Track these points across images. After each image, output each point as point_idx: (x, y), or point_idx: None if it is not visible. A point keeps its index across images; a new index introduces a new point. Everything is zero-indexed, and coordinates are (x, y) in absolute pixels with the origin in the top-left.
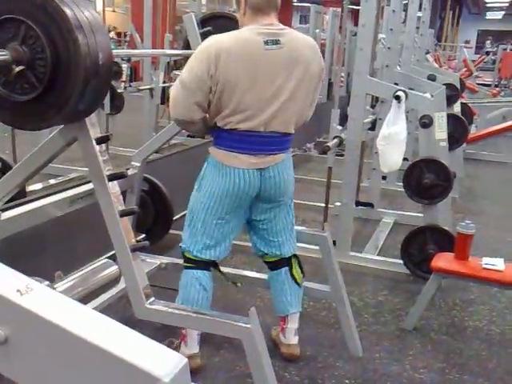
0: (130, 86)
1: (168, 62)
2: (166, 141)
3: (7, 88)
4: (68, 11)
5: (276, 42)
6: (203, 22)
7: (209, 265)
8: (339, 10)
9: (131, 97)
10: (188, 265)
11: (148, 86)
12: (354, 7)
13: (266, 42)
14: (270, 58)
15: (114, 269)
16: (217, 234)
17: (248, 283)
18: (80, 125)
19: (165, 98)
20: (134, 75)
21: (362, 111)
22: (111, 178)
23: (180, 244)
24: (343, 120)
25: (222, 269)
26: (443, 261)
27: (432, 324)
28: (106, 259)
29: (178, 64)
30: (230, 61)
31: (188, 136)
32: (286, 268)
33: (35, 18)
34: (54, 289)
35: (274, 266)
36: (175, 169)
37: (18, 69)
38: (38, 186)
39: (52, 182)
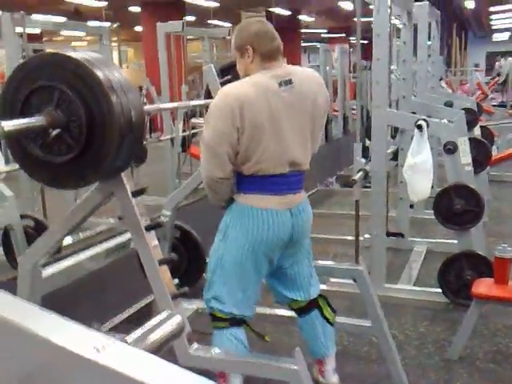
0: (151, 137)
1: (186, 112)
2: (194, 188)
3: (45, 150)
4: (100, 74)
5: (289, 82)
6: (222, 71)
7: (241, 322)
8: (346, 45)
9: (152, 147)
10: (219, 325)
11: (169, 136)
12: (359, 42)
13: (280, 84)
14: (285, 99)
15: (178, 319)
16: (251, 288)
17: (281, 323)
18: (116, 180)
19: (186, 145)
20: (153, 126)
21: (385, 143)
22: (149, 228)
23: (207, 302)
24: (362, 152)
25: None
26: (483, 287)
27: (477, 352)
28: (170, 311)
29: (194, 112)
30: (253, 109)
31: None
32: (316, 310)
33: (68, 82)
34: (127, 343)
35: (303, 310)
36: (202, 214)
37: (54, 132)
38: (68, 241)
39: (82, 235)
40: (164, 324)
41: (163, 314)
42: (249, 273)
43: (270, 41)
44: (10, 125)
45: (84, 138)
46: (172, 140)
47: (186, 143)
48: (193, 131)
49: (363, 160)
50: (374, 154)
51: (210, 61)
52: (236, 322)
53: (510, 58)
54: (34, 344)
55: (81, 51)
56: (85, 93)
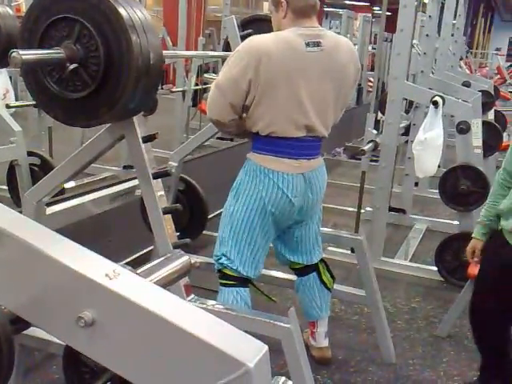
0: (162, 88)
1: (200, 66)
2: (202, 142)
3: (60, 85)
4: (122, 11)
5: (317, 44)
6: (244, 24)
7: (247, 281)
8: (369, 15)
9: (162, 99)
10: (227, 282)
11: (181, 89)
12: (385, 12)
13: (308, 44)
14: (310, 60)
15: (185, 259)
16: (261, 249)
17: (277, 285)
18: (128, 123)
19: (197, 100)
20: (165, 78)
21: (399, 116)
22: (156, 176)
23: (216, 258)
24: (374, 125)
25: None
26: None
27: (465, 332)
28: (178, 250)
29: (207, 67)
30: (272, 64)
31: (218, 138)
32: (315, 273)
33: (89, 17)
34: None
35: (302, 272)
36: (207, 170)
37: (71, 66)
38: (71, 184)
39: (86, 180)
40: (172, 262)
41: (172, 253)
42: (256, 234)
43: None
44: (28, 54)
45: (100, 76)
46: (184, 93)
47: (197, 98)
48: (205, 86)
49: (374, 131)
50: (386, 126)
51: (230, 15)
52: (242, 281)
53: None
54: (48, 265)
55: None
56: (105, 29)
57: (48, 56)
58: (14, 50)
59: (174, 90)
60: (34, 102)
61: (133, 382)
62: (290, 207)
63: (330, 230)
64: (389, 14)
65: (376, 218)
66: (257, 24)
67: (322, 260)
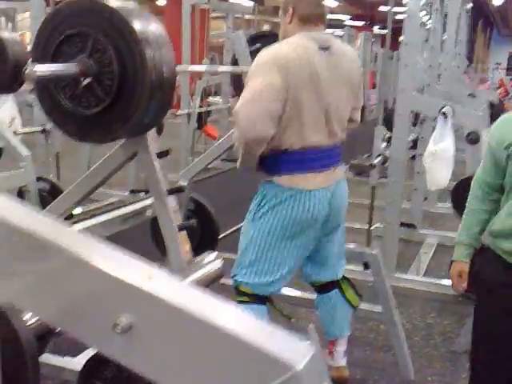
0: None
1: (204, 89)
2: (210, 162)
3: (74, 101)
4: (135, 24)
5: (328, 49)
6: (252, 40)
7: (265, 299)
8: (369, 33)
9: (167, 123)
10: (243, 299)
11: (186, 111)
12: (382, 31)
13: (320, 48)
14: (324, 64)
15: (219, 263)
16: (282, 269)
17: (292, 303)
18: (141, 139)
19: (201, 122)
20: None
21: (407, 128)
22: (171, 192)
23: (233, 276)
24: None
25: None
26: None
27: None
28: (211, 251)
29: (209, 91)
30: (296, 70)
31: (222, 160)
32: (337, 290)
33: (103, 31)
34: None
35: (324, 288)
36: (215, 190)
37: (85, 81)
38: (78, 211)
39: (93, 206)
40: (206, 265)
41: (204, 254)
42: (280, 254)
43: (315, 5)
44: (42, 69)
45: (114, 90)
46: (189, 115)
47: (201, 120)
48: (209, 108)
49: (384, 144)
50: (395, 139)
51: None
52: (259, 298)
53: None
54: (86, 271)
55: (117, 0)
56: (119, 43)
57: (62, 70)
58: (28, 65)
59: (178, 112)
60: (40, 128)
61: None
62: (315, 224)
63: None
64: (385, 32)
65: (388, 233)
66: (262, 40)
67: (344, 277)
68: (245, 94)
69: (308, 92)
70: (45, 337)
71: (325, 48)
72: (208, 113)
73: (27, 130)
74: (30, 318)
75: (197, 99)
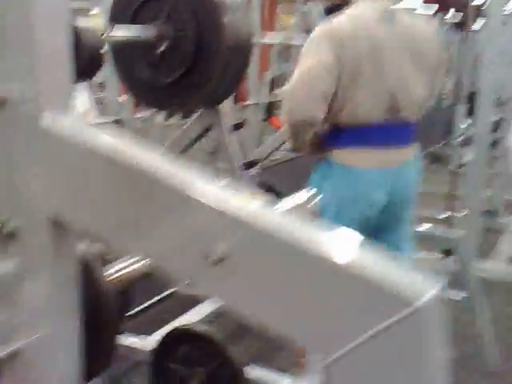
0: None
1: (272, 79)
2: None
3: (152, 69)
4: None
5: (393, 18)
6: (328, 11)
7: None
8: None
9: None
10: None
11: (254, 102)
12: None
13: (384, 19)
14: (388, 37)
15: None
16: None
17: None
18: (216, 111)
19: (270, 113)
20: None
21: (491, 105)
22: (247, 165)
23: None
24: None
25: None
26: None
27: None
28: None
29: (277, 82)
30: (353, 43)
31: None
32: None
33: None
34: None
35: None
36: (283, 176)
37: (162, 47)
38: None
39: None
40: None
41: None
42: None
43: None
44: (119, 33)
45: (191, 58)
46: (256, 106)
47: (270, 111)
48: (276, 99)
49: (468, 121)
50: (479, 116)
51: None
52: None
53: None
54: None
55: None
56: (196, 8)
57: (139, 34)
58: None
59: (247, 103)
60: (115, 118)
61: (272, 327)
62: (372, 209)
63: (427, 227)
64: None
65: (469, 219)
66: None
67: None
68: (294, 74)
69: (367, 64)
70: (125, 293)
71: (389, 17)
72: (274, 104)
73: (103, 120)
74: (112, 273)
75: (265, 89)
